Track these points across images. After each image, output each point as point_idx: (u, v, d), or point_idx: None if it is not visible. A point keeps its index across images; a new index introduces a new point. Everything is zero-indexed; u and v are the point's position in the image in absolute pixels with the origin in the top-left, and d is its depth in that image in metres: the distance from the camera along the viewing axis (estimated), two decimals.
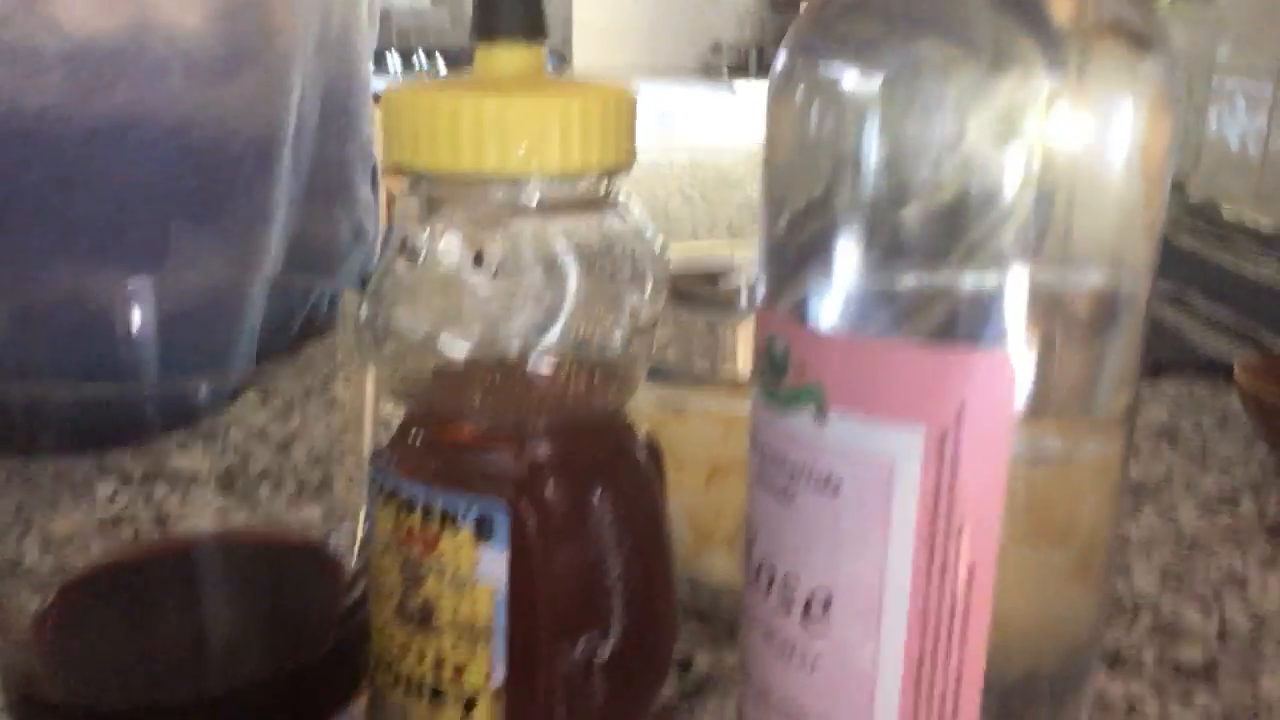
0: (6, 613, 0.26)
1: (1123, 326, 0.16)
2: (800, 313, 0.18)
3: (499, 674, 0.23)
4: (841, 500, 0.17)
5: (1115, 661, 0.33)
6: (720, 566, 0.34)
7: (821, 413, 0.17)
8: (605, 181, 0.23)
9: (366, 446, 0.28)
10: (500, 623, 0.23)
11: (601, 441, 0.24)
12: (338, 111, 0.54)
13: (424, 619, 0.24)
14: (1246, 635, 0.34)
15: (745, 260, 0.49)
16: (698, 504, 0.32)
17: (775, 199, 0.19)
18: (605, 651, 0.23)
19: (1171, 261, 0.54)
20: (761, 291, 0.20)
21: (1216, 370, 0.56)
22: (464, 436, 0.23)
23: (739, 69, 3.20)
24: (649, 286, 0.23)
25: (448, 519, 0.23)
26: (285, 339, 0.45)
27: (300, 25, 0.48)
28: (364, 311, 0.24)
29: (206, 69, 0.42)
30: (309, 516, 0.28)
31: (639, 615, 0.24)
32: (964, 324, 0.16)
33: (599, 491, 0.23)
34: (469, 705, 0.23)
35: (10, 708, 0.27)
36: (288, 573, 0.30)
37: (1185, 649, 0.33)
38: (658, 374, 0.30)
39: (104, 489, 0.27)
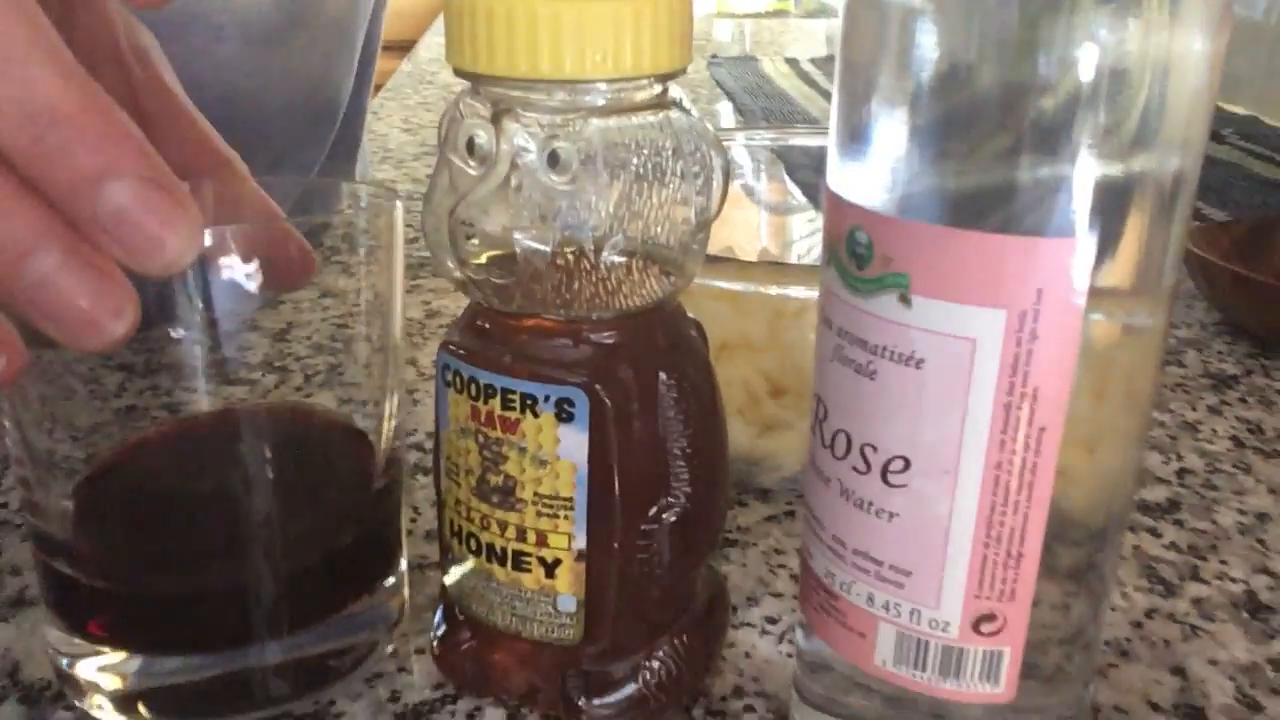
0: (45, 502, 0.26)
1: (1182, 207, 0.18)
2: (885, 206, 0.20)
3: (580, 539, 0.25)
4: (924, 374, 0.19)
5: None
6: (731, 436, 0.37)
7: (906, 299, 0.19)
8: (665, 81, 0.24)
9: (397, 334, 0.30)
10: (581, 495, 0.25)
11: (664, 326, 0.26)
12: (366, 62, 0.53)
13: (506, 493, 0.26)
14: (1202, 473, 0.39)
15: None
16: None
17: (855, 97, 0.20)
18: (673, 515, 0.26)
19: None
20: (835, 183, 0.21)
21: None
22: (539, 326, 0.25)
23: None
24: (712, 181, 0.24)
25: (528, 403, 0.25)
26: None
27: None
28: (427, 214, 0.25)
29: (260, 37, 0.41)
30: (331, 402, 0.29)
31: (701, 480, 0.26)
32: (1044, 212, 0.18)
33: (665, 372, 0.25)
34: (552, 567, 0.26)
35: (50, 599, 0.27)
36: (322, 453, 0.31)
37: (1149, 490, 0.38)
38: None
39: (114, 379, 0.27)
